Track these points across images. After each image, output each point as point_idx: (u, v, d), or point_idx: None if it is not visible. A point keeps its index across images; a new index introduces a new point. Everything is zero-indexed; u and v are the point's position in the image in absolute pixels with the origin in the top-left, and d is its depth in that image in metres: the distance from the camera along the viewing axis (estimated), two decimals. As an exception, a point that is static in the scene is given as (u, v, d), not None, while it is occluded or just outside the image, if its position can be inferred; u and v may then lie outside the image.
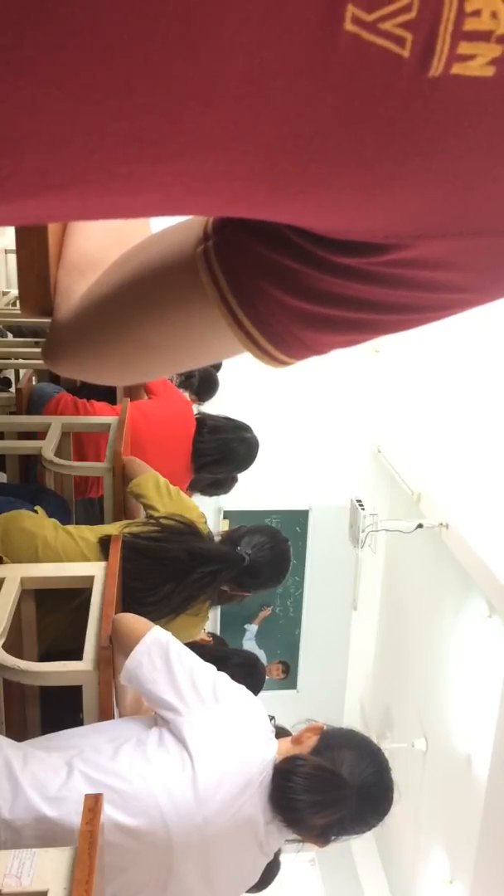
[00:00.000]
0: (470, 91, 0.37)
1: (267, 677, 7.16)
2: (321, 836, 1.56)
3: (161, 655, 1.58)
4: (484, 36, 0.35)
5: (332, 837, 1.57)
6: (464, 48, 0.35)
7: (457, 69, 0.36)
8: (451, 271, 0.45)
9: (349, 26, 0.34)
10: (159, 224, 0.59)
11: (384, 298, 0.47)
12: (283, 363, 0.53)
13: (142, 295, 0.55)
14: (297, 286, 0.47)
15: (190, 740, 1.49)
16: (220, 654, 2.09)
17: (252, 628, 7.26)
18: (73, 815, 1.39)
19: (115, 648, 1.63)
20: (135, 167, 0.37)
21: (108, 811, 1.36)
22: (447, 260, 0.45)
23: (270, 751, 1.54)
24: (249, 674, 1.89)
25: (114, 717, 1.68)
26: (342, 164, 0.38)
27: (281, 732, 1.64)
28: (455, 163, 0.39)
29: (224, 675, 1.62)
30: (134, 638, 1.60)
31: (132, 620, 1.67)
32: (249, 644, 7.22)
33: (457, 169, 0.39)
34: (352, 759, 1.55)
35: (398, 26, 0.35)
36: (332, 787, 1.52)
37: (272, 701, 3.07)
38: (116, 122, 0.35)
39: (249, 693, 1.63)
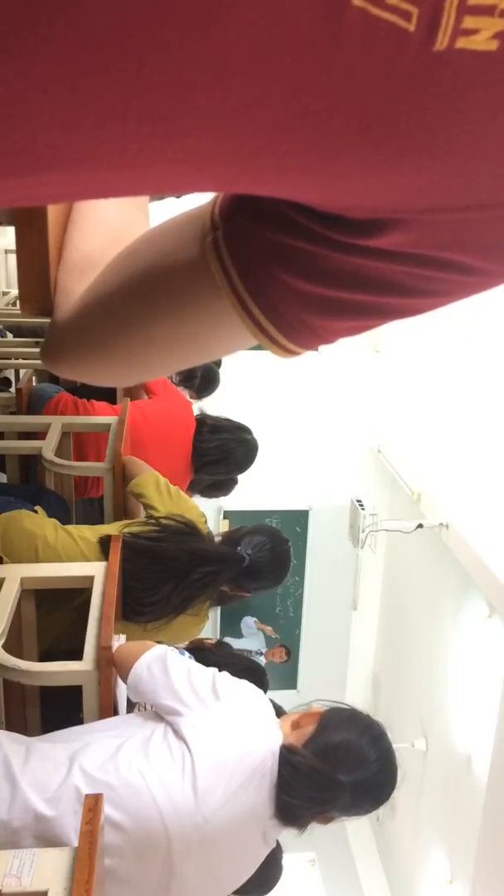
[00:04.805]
0: (474, 65, 0.37)
1: (269, 660, 7.08)
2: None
3: (159, 667, 1.61)
4: (488, 10, 0.35)
5: (334, 816, 1.58)
6: (468, 22, 0.36)
7: (461, 43, 0.36)
8: (459, 250, 0.46)
9: (357, 1, 0.34)
10: (159, 219, 0.59)
11: (392, 277, 0.47)
12: (292, 353, 0.53)
13: (146, 290, 0.55)
14: (307, 267, 0.47)
15: (190, 738, 1.49)
16: (222, 659, 2.09)
17: (250, 619, 7.26)
18: (69, 813, 1.39)
19: (120, 674, 1.66)
20: (145, 143, 0.38)
21: (104, 808, 1.36)
22: (455, 237, 0.45)
23: (277, 740, 1.55)
24: (252, 681, 1.89)
25: (113, 718, 1.69)
26: (350, 141, 0.39)
27: (276, 711, 1.65)
28: (461, 137, 0.39)
29: (224, 673, 1.63)
30: (133, 659, 1.63)
31: (130, 645, 1.70)
32: (246, 627, 7.22)
33: (462, 143, 0.40)
34: (351, 748, 1.55)
35: (405, 0, 0.35)
36: (326, 788, 1.52)
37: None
38: (128, 99, 0.35)
39: (252, 686, 1.63)
